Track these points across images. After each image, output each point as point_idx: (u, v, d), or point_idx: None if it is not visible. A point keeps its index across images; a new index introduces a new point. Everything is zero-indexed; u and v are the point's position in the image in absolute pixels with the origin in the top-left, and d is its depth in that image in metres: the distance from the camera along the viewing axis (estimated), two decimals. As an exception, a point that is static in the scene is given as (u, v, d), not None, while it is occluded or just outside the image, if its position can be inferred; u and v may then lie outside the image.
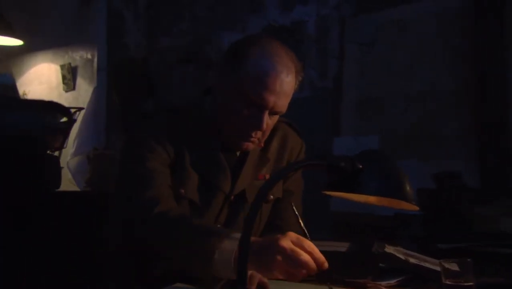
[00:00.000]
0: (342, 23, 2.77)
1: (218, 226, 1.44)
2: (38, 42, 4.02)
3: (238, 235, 1.10)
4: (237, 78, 1.33)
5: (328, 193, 1.05)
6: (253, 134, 1.37)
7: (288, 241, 1.06)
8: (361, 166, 0.99)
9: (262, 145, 1.47)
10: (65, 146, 2.54)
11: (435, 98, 2.39)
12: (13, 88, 2.87)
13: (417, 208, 1.01)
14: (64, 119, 2.41)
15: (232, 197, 1.45)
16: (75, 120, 2.72)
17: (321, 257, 1.07)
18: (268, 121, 1.36)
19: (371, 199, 1.11)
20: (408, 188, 1.00)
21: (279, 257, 1.03)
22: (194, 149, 1.41)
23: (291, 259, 1.03)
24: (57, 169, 1.84)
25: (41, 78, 4.11)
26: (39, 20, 4.04)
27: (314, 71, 2.88)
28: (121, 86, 3.64)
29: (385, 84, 2.56)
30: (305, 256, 1.04)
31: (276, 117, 1.41)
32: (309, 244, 1.07)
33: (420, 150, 2.37)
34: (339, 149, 2.58)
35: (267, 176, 1.50)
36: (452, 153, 2.29)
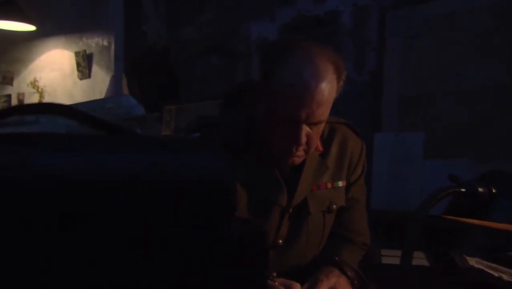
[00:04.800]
0: (381, 14, 2.67)
1: (280, 241, 1.38)
2: (50, 28, 3.90)
3: None
4: (269, 93, 1.26)
5: (451, 218, 0.98)
6: (294, 150, 1.29)
7: None
8: (495, 190, 0.91)
9: (307, 156, 1.36)
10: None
11: (488, 96, 2.31)
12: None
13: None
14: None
15: (291, 210, 1.38)
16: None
17: None
18: (310, 132, 1.27)
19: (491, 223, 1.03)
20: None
21: None
22: (243, 165, 1.34)
23: None
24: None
25: (53, 65, 3.99)
26: (52, 4, 3.91)
27: (350, 64, 2.79)
28: (141, 77, 3.54)
29: (431, 80, 2.47)
30: None
31: (320, 126, 1.30)
32: None
33: (471, 149, 2.30)
34: (380, 145, 2.51)
35: (329, 185, 1.43)
36: (508, 153, 2.22)
